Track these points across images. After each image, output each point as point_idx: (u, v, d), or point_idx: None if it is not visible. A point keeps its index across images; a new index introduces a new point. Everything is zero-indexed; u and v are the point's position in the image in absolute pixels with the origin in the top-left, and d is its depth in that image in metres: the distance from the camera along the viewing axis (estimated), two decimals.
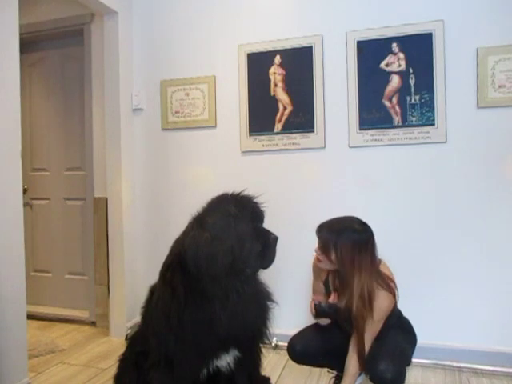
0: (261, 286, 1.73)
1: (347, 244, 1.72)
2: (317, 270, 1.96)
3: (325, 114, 2.64)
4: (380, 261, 1.83)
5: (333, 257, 1.74)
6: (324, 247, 1.76)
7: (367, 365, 1.72)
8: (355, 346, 1.75)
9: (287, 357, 1.99)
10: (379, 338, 1.75)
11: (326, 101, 2.64)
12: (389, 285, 1.75)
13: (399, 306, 1.93)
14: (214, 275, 1.51)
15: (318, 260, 1.82)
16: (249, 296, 1.59)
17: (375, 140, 2.55)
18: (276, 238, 1.61)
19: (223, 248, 1.50)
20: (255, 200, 1.66)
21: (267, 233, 1.62)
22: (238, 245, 1.53)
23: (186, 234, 1.62)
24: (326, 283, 1.93)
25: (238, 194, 1.66)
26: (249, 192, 1.67)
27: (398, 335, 1.84)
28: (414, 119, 2.49)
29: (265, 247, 1.59)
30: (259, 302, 1.68)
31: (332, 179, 2.64)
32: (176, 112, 2.97)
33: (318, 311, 1.86)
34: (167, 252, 1.69)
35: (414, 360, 1.98)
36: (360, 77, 2.56)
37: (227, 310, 1.53)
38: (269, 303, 1.72)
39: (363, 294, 1.69)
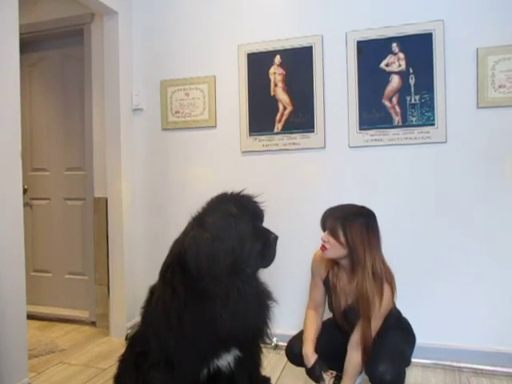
0: (261, 285, 1.73)
1: (355, 224, 1.75)
2: (316, 268, 1.95)
3: (325, 114, 2.64)
4: None
5: (342, 239, 1.75)
6: (332, 231, 1.77)
7: (366, 366, 1.72)
8: (359, 336, 1.74)
9: None
10: (378, 339, 1.75)
11: (326, 101, 2.64)
12: (391, 281, 1.76)
13: (399, 306, 1.93)
14: (215, 275, 1.51)
15: (323, 249, 1.81)
16: (250, 295, 1.59)
17: (375, 140, 2.55)
18: (276, 238, 1.62)
19: (224, 248, 1.50)
20: (255, 199, 1.67)
21: (267, 232, 1.63)
22: (238, 244, 1.53)
23: (185, 234, 1.62)
24: (325, 282, 1.92)
25: (238, 194, 1.66)
26: (248, 191, 1.68)
27: (397, 336, 1.84)
28: (414, 119, 2.49)
29: (265, 247, 1.59)
30: (260, 301, 1.68)
31: (332, 179, 2.64)
32: (176, 112, 2.96)
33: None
34: (167, 252, 1.69)
35: (414, 360, 1.98)
36: (360, 77, 2.56)
37: (228, 309, 1.53)
38: (269, 302, 1.72)
39: (376, 270, 1.71)
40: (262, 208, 1.67)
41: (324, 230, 1.83)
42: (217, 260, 1.49)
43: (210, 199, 1.68)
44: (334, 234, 1.76)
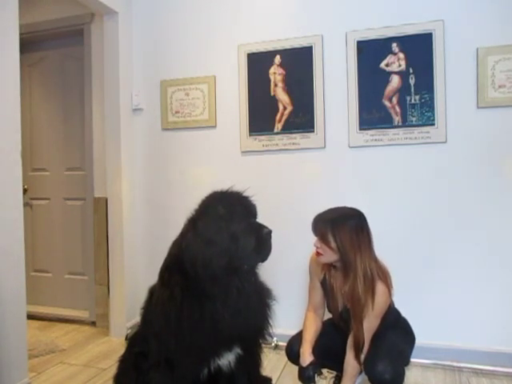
0: (260, 282, 1.73)
1: (344, 228, 1.74)
2: (313, 269, 1.95)
3: (325, 114, 2.64)
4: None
5: (332, 245, 1.74)
6: (322, 237, 1.77)
7: (365, 366, 1.72)
8: (352, 338, 1.73)
9: None
10: (377, 339, 1.75)
11: (326, 101, 2.64)
12: (386, 278, 1.76)
13: (399, 305, 1.93)
14: (212, 276, 1.51)
15: (317, 255, 1.81)
16: (249, 292, 1.59)
17: (375, 140, 2.55)
18: (269, 232, 1.59)
19: (217, 251, 1.50)
20: (244, 195, 1.64)
21: (260, 227, 1.60)
22: (231, 244, 1.52)
23: (182, 235, 1.62)
24: (323, 283, 1.92)
25: (226, 192, 1.64)
26: (237, 188, 1.65)
27: (397, 336, 1.83)
28: (414, 119, 2.49)
29: (259, 242, 1.57)
30: (260, 298, 1.68)
31: (332, 179, 2.64)
32: (176, 112, 2.97)
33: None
34: (167, 252, 1.69)
35: (414, 360, 1.98)
36: (360, 77, 2.56)
37: (229, 308, 1.53)
38: (269, 300, 1.72)
39: (366, 273, 1.71)
40: (252, 203, 1.64)
41: (316, 235, 1.83)
42: (211, 263, 1.49)
43: (202, 200, 1.67)
44: (324, 241, 1.76)
